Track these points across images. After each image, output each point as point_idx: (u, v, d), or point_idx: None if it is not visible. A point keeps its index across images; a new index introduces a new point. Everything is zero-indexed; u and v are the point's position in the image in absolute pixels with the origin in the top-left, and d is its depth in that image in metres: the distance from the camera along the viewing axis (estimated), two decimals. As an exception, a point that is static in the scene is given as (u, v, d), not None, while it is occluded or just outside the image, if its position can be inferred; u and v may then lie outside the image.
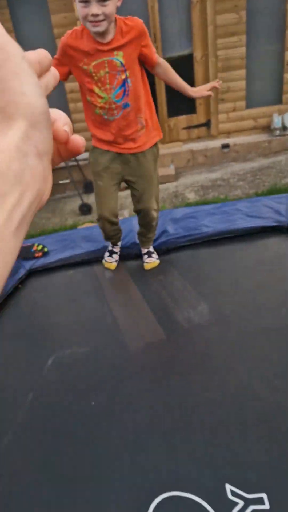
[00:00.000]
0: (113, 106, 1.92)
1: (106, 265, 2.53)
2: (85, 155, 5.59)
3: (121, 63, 1.84)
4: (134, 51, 1.84)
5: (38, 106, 0.29)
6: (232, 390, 1.55)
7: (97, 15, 1.67)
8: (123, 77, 1.87)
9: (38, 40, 4.95)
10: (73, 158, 5.32)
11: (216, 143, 5.34)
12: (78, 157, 5.51)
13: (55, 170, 5.32)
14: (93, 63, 1.83)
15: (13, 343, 2.08)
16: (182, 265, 2.44)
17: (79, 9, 1.68)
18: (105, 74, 1.85)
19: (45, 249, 2.65)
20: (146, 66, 1.97)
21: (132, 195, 2.28)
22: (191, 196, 5.19)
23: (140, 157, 2.12)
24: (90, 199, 5.45)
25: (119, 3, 1.73)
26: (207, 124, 5.34)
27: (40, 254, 2.64)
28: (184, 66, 5.10)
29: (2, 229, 0.26)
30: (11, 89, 0.27)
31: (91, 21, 1.70)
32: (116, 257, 2.54)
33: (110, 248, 2.56)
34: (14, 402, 1.70)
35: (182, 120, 5.36)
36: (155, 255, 2.50)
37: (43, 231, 4.92)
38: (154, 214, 2.30)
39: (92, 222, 4.91)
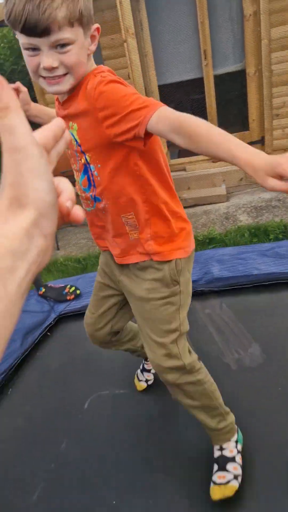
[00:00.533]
0: (83, 195, 1.27)
1: (136, 382, 1.88)
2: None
3: (76, 140, 1.15)
4: (95, 127, 1.08)
5: (47, 201, 0.36)
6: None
7: (52, 68, 1.00)
8: (83, 161, 1.19)
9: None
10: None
11: (271, 161, 4.95)
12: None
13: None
14: None
15: (46, 392, 1.95)
16: (228, 310, 2.18)
17: (26, 59, 1.03)
18: (68, 151, 1.25)
19: (78, 291, 2.48)
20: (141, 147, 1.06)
21: None
22: (243, 218, 4.85)
23: (134, 271, 1.32)
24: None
25: (92, 46, 1.07)
26: (261, 141, 4.97)
27: (72, 296, 2.47)
28: (236, 82, 4.78)
29: (13, 297, 0.32)
30: (27, 184, 0.35)
31: (44, 77, 1.03)
32: (148, 376, 1.86)
33: (143, 362, 1.89)
34: (46, 452, 1.60)
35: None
36: (234, 466, 1.33)
37: (89, 254, 4.80)
38: (168, 377, 1.28)
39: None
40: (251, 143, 5.04)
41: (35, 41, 0.97)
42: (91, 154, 1.15)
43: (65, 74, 1.03)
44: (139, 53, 4.36)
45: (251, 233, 4.42)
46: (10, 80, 5.38)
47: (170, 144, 5.59)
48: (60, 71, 1.02)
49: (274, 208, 4.84)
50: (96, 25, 1.06)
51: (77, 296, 2.45)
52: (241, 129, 5.02)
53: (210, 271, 2.35)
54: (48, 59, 0.98)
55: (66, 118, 1.14)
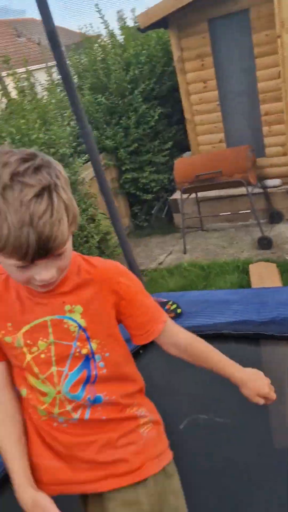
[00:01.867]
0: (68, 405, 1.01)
1: None
2: (275, 181, 4.96)
3: (77, 323, 0.97)
4: (108, 312, 1.03)
5: None
6: None
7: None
8: (84, 351, 0.99)
9: (236, 59, 4.55)
10: (259, 185, 4.76)
11: None
12: (267, 183, 4.91)
13: (237, 197, 4.86)
14: None
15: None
16: None
17: (14, 275, 0.86)
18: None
19: (179, 310, 2.28)
20: None
21: None
22: None
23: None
24: (273, 231, 4.79)
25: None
26: None
27: (173, 314, 2.27)
28: None
29: None
30: None
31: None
32: None
33: None
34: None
35: None
36: None
37: (214, 262, 4.54)
38: None
39: (268, 260, 4.28)
40: None
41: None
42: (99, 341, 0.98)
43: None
44: (294, 49, 3.88)
45: None
46: (160, 81, 5.38)
47: None
48: (56, 276, 0.86)
49: None
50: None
51: (177, 316, 2.26)
52: None
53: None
54: (47, 272, 0.83)
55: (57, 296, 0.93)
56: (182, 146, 5.66)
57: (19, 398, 1.02)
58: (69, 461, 0.99)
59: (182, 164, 4.65)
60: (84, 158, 4.45)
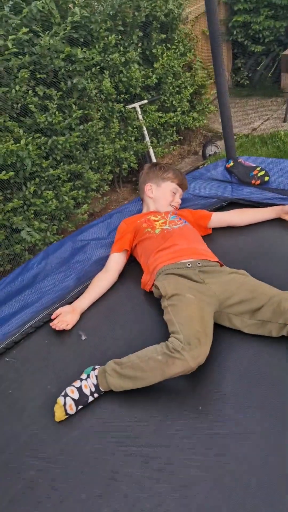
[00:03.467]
0: None
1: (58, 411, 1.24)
2: None
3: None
4: None
5: None
6: None
7: None
8: None
9: None
10: None
11: None
12: None
13: None
14: None
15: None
16: None
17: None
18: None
19: (266, 178, 2.06)
20: None
21: None
22: None
23: None
24: None
25: None
26: None
27: (258, 182, 2.07)
28: None
29: None
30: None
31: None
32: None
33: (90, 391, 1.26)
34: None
35: None
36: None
37: None
38: None
39: None
40: None
41: None
42: None
43: None
44: None
45: None
46: None
47: None
48: None
49: None
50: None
51: (263, 183, 2.04)
52: None
53: None
54: None
55: None
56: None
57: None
58: None
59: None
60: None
